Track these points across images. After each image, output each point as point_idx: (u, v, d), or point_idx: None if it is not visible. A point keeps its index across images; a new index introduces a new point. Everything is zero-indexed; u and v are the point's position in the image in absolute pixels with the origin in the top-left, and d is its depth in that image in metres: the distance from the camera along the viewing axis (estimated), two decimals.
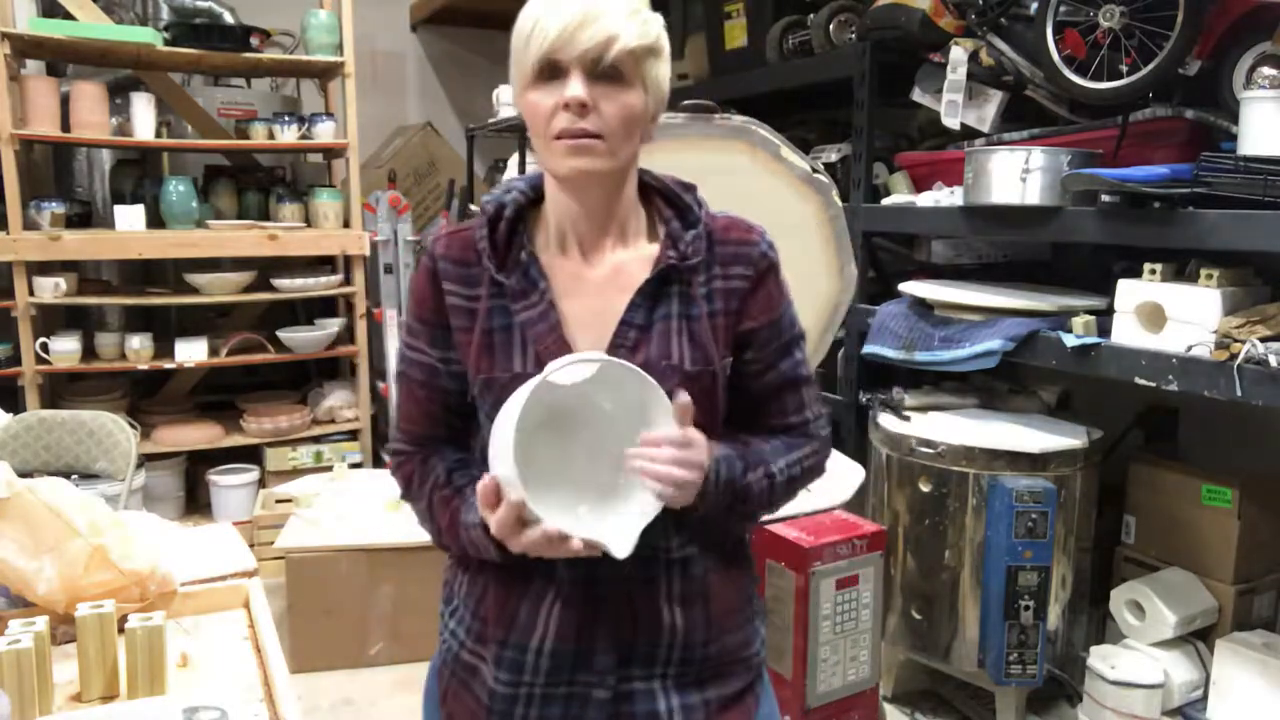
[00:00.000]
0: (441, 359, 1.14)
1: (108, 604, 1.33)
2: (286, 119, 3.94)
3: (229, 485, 3.85)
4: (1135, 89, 2.38)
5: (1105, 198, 2.36)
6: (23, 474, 1.63)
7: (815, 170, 2.26)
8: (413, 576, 2.91)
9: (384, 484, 3.27)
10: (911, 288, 2.87)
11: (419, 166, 4.84)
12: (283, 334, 4.00)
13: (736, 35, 3.72)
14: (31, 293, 3.53)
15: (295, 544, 2.96)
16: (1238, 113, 2.16)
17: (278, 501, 3.60)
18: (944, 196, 2.86)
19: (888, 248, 3.35)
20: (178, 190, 3.79)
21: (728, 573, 1.18)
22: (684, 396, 1.02)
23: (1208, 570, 2.61)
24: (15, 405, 3.43)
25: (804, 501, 2.32)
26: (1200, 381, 2.12)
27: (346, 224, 4.01)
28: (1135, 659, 2.49)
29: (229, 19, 4.22)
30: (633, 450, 1.01)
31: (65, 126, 3.56)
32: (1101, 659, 2.49)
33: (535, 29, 1.03)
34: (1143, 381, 2.25)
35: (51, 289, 3.55)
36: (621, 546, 1.00)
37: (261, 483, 3.93)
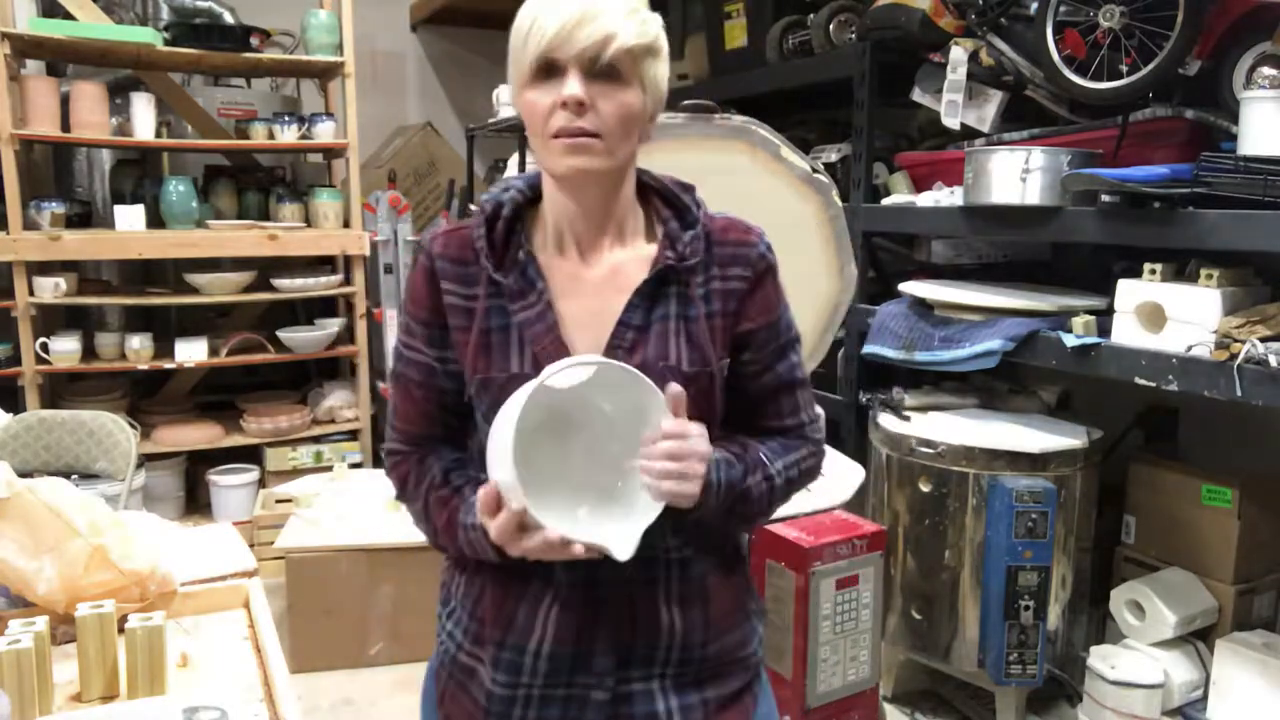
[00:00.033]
0: (438, 358, 1.14)
1: (108, 604, 1.33)
2: (286, 119, 3.94)
3: (229, 485, 3.85)
4: (1135, 89, 2.38)
5: (1105, 198, 2.36)
6: (23, 474, 1.63)
7: (815, 170, 2.27)
8: (413, 576, 2.91)
9: (384, 484, 3.23)
10: (911, 288, 2.87)
11: (419, 166, 4.84)
12: (283, 334, 4.00)
13: (736, 35, 3.72)
14: (31, 293, 3.53)
15: (295, 544, 2.96)
16: (1238, 113, 2.16)
17: (278, 501, 3.60)
18: (944, 196, 2.86)
19: (888, 248, 3.35)
20: (178, 190, 3.79)
21: (725, 573, 1.18)
22: (675, 387, 1.01)
23: (1208, 570, 2.61)
24: (15, 405, 3.43)
25: (804, 501, 2.32)
26: (1200, 381, 2.12)
27: (346, 224, 4.01)
28: (1135, 659, 2.49)
29: (229, 19, 4.22)
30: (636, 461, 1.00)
31: (65, 126, 3.56)
32: (1101, 659, 2.49)
33: (533, 27, 1.02)
34: (1143, 381, 2.25)
35: (51, 289, 3.55)
36: (623, 549, 1.00)
37: (261, 483, 3.93)
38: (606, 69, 1.02)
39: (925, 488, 2.60)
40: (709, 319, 1.11)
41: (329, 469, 3.74)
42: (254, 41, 3.82)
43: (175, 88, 4.08)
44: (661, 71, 1.08)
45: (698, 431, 1.02)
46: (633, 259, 1.12)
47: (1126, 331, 2.34)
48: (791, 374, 1.18)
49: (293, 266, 4.14)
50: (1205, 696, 2.50)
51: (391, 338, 4.03)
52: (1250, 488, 2.55)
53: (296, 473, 3.86)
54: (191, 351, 3.77)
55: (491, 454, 1.00)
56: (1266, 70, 2.10)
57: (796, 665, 2.26)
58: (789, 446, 1.17)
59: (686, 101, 2.18)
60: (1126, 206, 2.31)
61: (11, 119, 3.41)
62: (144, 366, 3.75)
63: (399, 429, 1.18)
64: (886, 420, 2.75)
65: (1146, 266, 2.32)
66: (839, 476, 2.50)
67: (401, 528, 2.96)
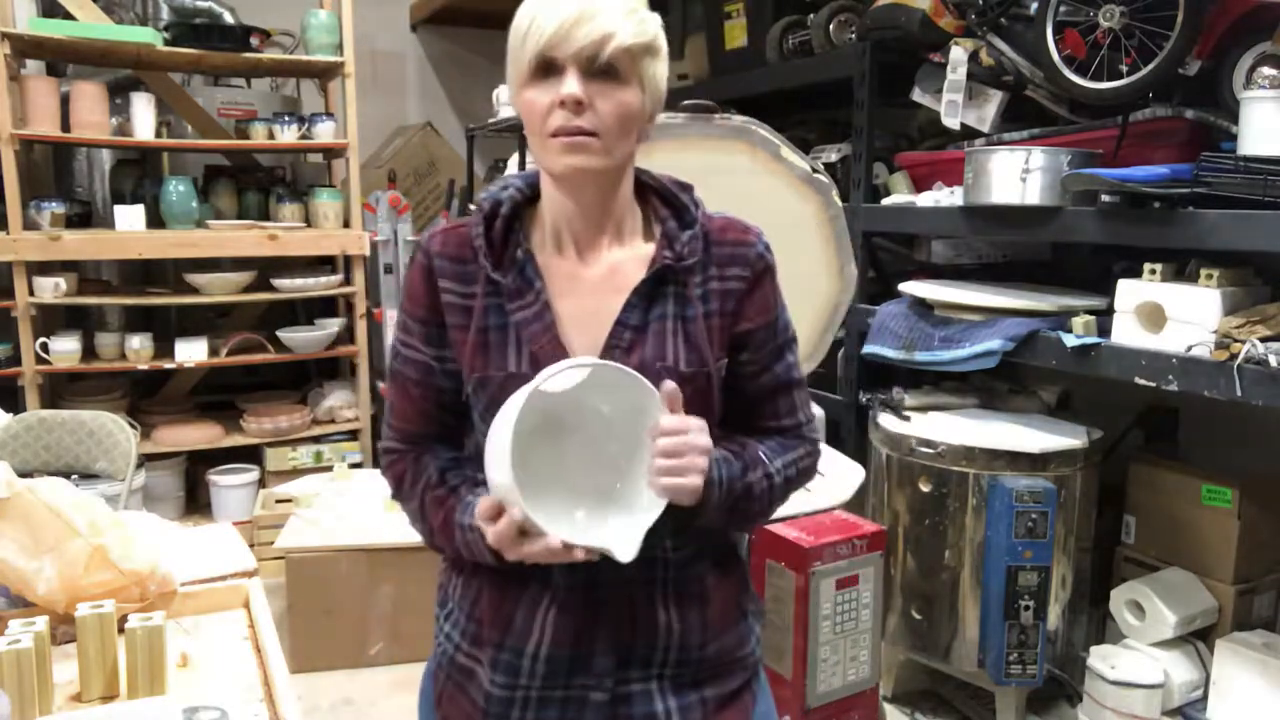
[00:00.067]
0: (435, 357, 1.13)
1: (108, 604, 1.33)
2: (286, 119, 3.93)
3: (229, 485, 3.85)
4: (1135, 89, 2.38)
5: (1105, 198, 2.36)
6: (23, 474, 1.63)
7: (815, 170, 2.27)
8: (413, 576, 2.91)
9: (384, 484, 3.26)
10: (911, 288, 2.87)
11: (419, 166, 4.84)
12: (283, 334, 4.00)
13: (736, 35, 3.72)
14: (31, 293, 3.53)
15: (295, 544, 2.96)
16: (1238, 113, 2.16)
17: (278, 501, 3.60)
18: (944, 196, 2.86)
19: (888, 248, 3.35)
20: (178, 190, 3.79)
21: (723, 574, 1.18)
22: (669, 384, 1.01)
23: (1208, 570, 2.61)
24: (15, 405, 3.43)
25: (804, 501, 2.32)
26: (1200, 381, 2.12)
27: (346, 224, 4.01)
28: (1135, 659, 2.49)
29: (229, 19, 4.22)
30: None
31: (65, 126, 3.56)
32: (1101, 659, 2.49)
33: (531, 26, 1.02)
34: (1143, 381, 2.25)
35: (51, 289, 3.55)
36: (626, 550, 0.99)
37: (261, 483, 3.93)
38: (605, 68, 1.02)
39: (925, 488, 2.60)
40: (707, 319, 1.11)
41: (329, 469, 3.73)
42: (254, 41, 3.82)
43: (175, 88, 4.08)
44: (660, 71, 1.08)
45: (698, 426, 1.02)
46: (630, 258, 1.12)
47: (1126, 331, 2.34)
48: (789, 374, 1.18)
49: (293, 266, 4.13)
50: (1205, 696, 2.50)
51: (391, 337, 4.02)
52: (1250, 488, 2.55)
53: (296, 473, 3.86)
54: (191, 351, 3.77)
55: (489, 459, 1.00)
56: (1266, 70, 2.10)
57: (796, 665, 2.26)
58: (787, 446, 1.17)
59: (686, 101, 2.18)
60: (1126, 206, 2.31)
61: (11, 119, 3.41)
62: (144, 366, 3.75)
63: (395, 427, 1.18)
64: (886, 420, 2.75)
65: (1146, 266, 2.32)
66: (839, 476, 2.50)
67: (401, 528, 2.93)
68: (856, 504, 2.50)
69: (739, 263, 1.13)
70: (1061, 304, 2.56)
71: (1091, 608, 2.81)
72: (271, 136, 3.92)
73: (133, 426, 2.88)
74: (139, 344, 3.72)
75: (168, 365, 3.78)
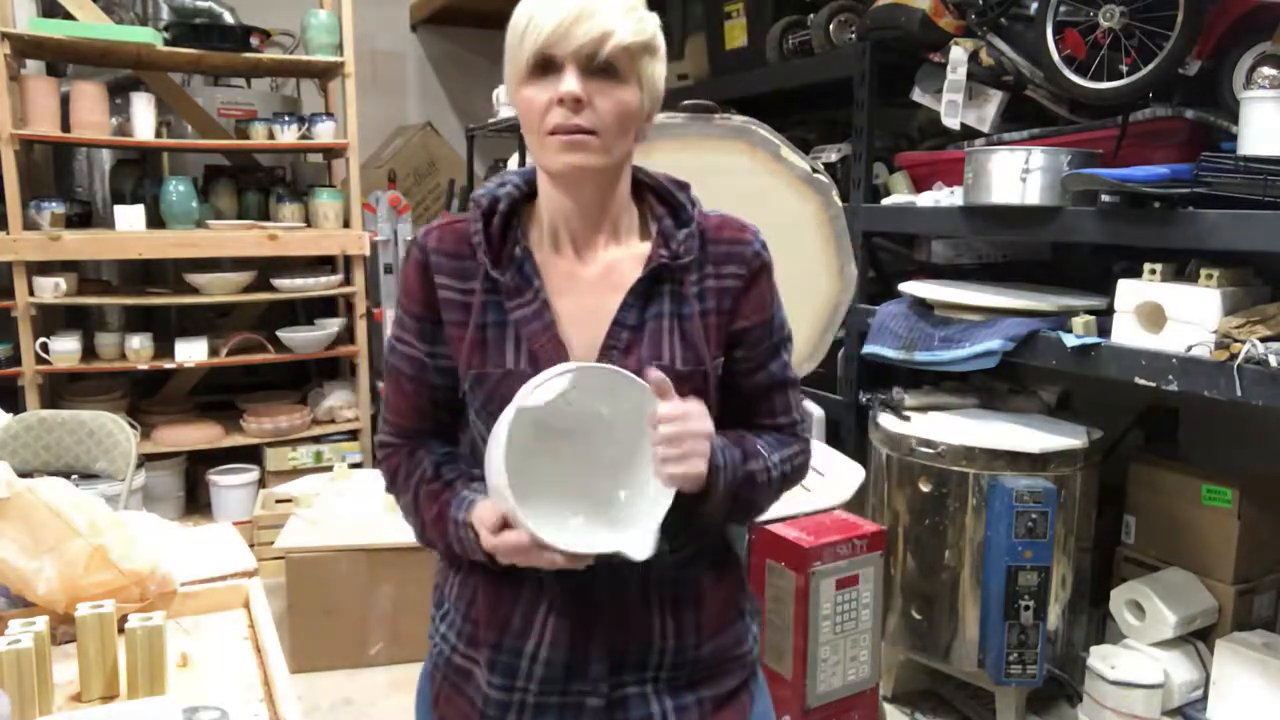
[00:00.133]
0: (429, 353, 1.13)
1: (108, 604, 1.33)
2: (286, 119, 3.94)
3: (229, 485, 3.85)
4: (1135, 89, 2.38)
5: (1105, 198, 2.36)
6: (23, 474, 1.63)
7: (815, 170, 2.27)
8: (413, 576, 2.90)
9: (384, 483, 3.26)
10: (911, 288, 2.87)
11: (419, 166, 4.84)
12: (283, 334, 4.00)
13: (736, 35, 3.72)
14: (31, 293, 3.53)
15: (295, 544, 2.96)
16: (1238, 113, 2.16)
17: (278, 501, 3.60)
18: (944, 196, 2.86)
19: (888, 248, 3.35)
20: (178, 190, 3.79)
21: (719, 574, 1.18)
22: (655, 373, 1.01)
23: (1208, 570, 2.61)
24: (15, 405, 3.43)
25: (804, 501, 2.32)
26: (1200, 381, 2.12)
27: (346, 224, 4.01)
28: (1135, 659, 2.49)
29: (229, 19, 4.22)
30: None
31: (65, 126, 3.56)
32: (1101, 659, 2.49)
33: (530, 24, 1.02)
34: (1143, 381, 2.25)
35: (51, 289, 3.55)
36: (641, 549, 0.99)
37: (261, 483, 3.93)
38: (604, 66, 1.02)
39: (925, 488, 2.60)
40: (703, 317, 1.11)
41: (329, 469, 3.73)
42: (254, 41, 3.82)
43: (175, 88, 4.08)
44: (659, 70, 1.08)
45: (696, 410, 1.02)
46: (627, 257, 1.12)
47: (1126, 331, 2.34)
48: (784, 373, 1.18)
49: (293, 266, 4.13)
50: (1205, 696, 2.50)
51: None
52: (1250, 488, 2.55)
53: (296, 473, 3.86)
54: (191, 351, 3.77)
55: (489, 478, 1.00)
56: (1266, 70, 2.10)
57: (796, 665, 2.26)
58: (782, 442, 1.17)
59: (686, 101, 2.18)
60: (1126, 206, 2.31)
61: (11, 119, 3.41)
62: (144, 366, 3.75)
63: (390, 421, 1.18)
64: (886, 420, 2.75)
65: (1146, 266, 2.32)
66: (839, 476, 2.50)
67: (402, 528, 2.95)
68: (856, 504, 2.50)
69: (735, 261, 1.13)
70: (1061, 304, 2.56)
71: (1091, 608, 2.81)
72: (271, 136, 3.92)
73: (133, 426, 2.88)
74: (139, 344, 3.72)
75: (168, 365, 3.78)
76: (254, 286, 3.94)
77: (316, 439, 4.03)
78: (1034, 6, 2.63)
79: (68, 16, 3.60)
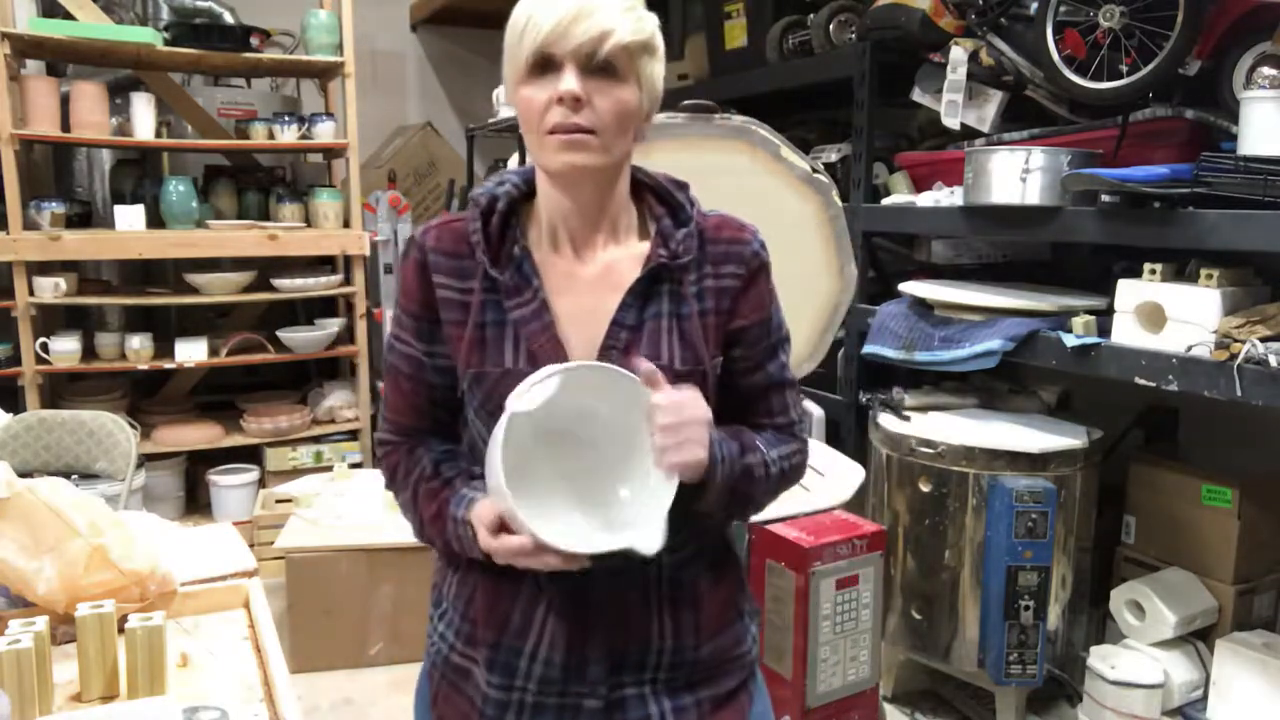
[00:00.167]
0: (427, 352, 1.13)
1: (108, 604, 1.33)
2: (286, 119, 3.94)
3: (229, 485, 3.85)
4: (1135, 89, 2.38)
5: (1105, 198, 2.36)
6: (23, 474, 1.63)
7: (815, 170, 2.27)
8: (413, 576, 2.91)
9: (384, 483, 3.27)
10: (911, 288, 2.87)
11: (419, 166, 4.85)
12: (283, 334, 4.00)
13: (736, 35, 3.72)
14: (31, 293, 3.53)
15: (295, 544, 2.96)
16: (1238, 113, 2.16)
17: (278, 501, 3.60)
18: (944, 196, 2.86)
19: (888, 248, 3.35)
20: (178, 190, 3.79)
21: (717, 574, 1.18)
22: (644, 364, 1.01)
23: (1208, 570, 2.61)
24: (15, 405, 3.43)
25: (804, 501, 2.32)
26: (1200, 381, 2.12)
27: (346, 224, 4.01)
28: (1135, 659, 2.49)
29: (229, 19, 4.22)
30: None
31: (65, 126, 3.56)
32: (1101, 659, 2.49)
33: (529, 23, 1.02)
34: (1143, 381, 2.25)
35: (51, 289, 3.55)
36: (650, 543, 0.98)
37: (261, 483, 3.93)
38: (603, 65, 1.02)
39: (925, 488, 2.60)
40: (702, 317, 1.11)
41: (329, 469, 3.73)
42: (254, 41, 3.82)
43: (175, 88, 4.08)
44: (658, 70, 1.08)
45: (692, 397, 1.02)
46: (626, 257, 1.12)
47: (1126, 331, 2.34)
48: (781, 373, 1.18)
49: (293, 266, 4.14)
50: (1205, 696, 2.50)
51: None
52: (1250, 488, 2.55)
53: (296, 473, 3.86)
54: (191, 351, 3.77)
55: (489, 482, 0.99)
56: (1266, 70, 2.10)
57: (796, 665, 2.26)
58: (781, 439, 1.17)
59: (686, 101, 2.18)
60: (1126, 206, 2.31)
61: (11, 119, 3.41)
62: (144, 366, 3.75)
63: (389, 419, 1.18)
64: (886, 420, 2.75)
65: (1146, 266, 2.32)
66: (839, 476, 2.50)
67: (402, 527, 2.95)
68: (856, 504, 2.50)
69: (734, 260, 1.13)
70: (1061, 304, 2.56)
71: (1091, 608, 2.81)
72: (271, 136, 3.92)
73: (133, 426, 2.88)
74: (139, 344, 3.72)
75: (168, 365, 3.78)
76: (254, 286, 3.94)
77: (316, 439, 4.03)
78: (1034, 6, 2.63)
79: (68, 16, 3.60)
